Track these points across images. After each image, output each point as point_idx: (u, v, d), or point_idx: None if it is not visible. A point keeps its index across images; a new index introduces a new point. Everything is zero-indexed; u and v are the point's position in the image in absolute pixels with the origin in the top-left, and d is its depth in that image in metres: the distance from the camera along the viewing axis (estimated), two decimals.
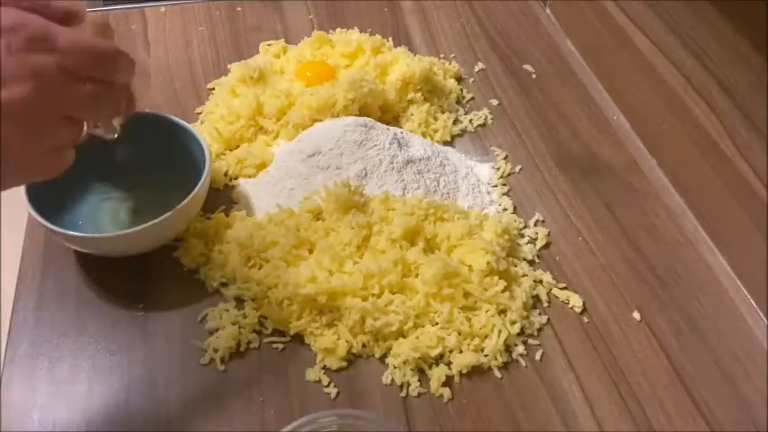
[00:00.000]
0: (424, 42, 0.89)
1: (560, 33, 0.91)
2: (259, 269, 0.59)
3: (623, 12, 0.76)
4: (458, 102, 0.80)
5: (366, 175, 0.65)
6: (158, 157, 0.64)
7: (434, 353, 0.55)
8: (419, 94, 0.76)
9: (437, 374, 0.54)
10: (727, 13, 0.59)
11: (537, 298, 0.60)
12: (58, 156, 0.40)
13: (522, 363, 0.56)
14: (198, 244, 0.61)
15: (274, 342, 0.56)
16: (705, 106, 0.64)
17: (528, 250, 0.64)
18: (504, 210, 0.68)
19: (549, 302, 0.60)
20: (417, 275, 0.58)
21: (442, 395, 0.54)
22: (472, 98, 0.81)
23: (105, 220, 0.62)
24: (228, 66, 0.81)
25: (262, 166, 0.69)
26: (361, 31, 0.86)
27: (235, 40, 0.87)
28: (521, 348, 0.57)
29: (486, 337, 0.56)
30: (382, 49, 0.82)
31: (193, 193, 0.57)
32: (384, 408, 0.53)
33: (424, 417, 0.52)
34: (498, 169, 0.72)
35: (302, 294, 0.56)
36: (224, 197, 0.67)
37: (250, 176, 0.69)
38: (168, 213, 0.56)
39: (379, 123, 0.68)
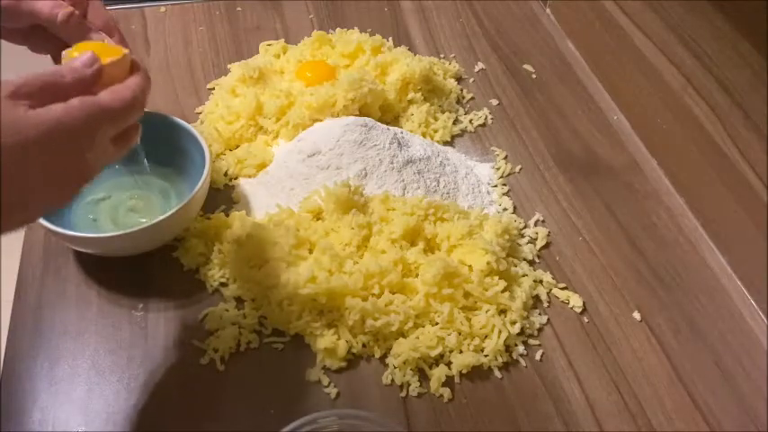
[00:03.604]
0: (424, 42, 0.89)
1: (560, 33, 0.91)
2: (259, 269, 0.59)
3: (623, 12, 0.76)
4: (458, 102, 0.80)
5: (366, 175, 0.65)
6: (158, 157, 0.64)
7: (434, 353, 0.55)
8: (419, 94, 0.76)
9: (437, 374, 0.54)
10: (727, 13, 0.59)
11: (537, 298, 0.60)
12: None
13: (522, 363, 0.56)
14: (198, 244, 0.61)
15: (274, 342, 0.56)
16: (705, 106, 0.64)
17: (528, 250, 0.64)
18: (504, 210, 0.68)
19: (549, 302, 0.60)
20: (417, 275, 0.58)
21: (442, 395, 0.54)
22: (472, 98, 0.81)
23: (105, 220, 0.62)
24: (228, 66, 0.81)
25: (262, 166, 0.69)
26: (361, 31, 0.86)
27: (235, 40, 0.87)
28: (521, 348, 0.57)
29: (486, 337, 0.56)
30: (382, 49, 0.82)
31: (193, 193, 0.57)
32: (384, 408, 0.53)
33: (424, 417, 0.52)
34: (498, 169, 0.72)
35: (302, 294, 0.56)
36: (224, 197, 0.67)
37: (250, 176, 0.69)
38: (168, 213, 0.56)
39: (379, 123, 0.68)
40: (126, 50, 0.48)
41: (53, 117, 0.39)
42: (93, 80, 0.43)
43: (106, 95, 0.42)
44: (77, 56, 0.44)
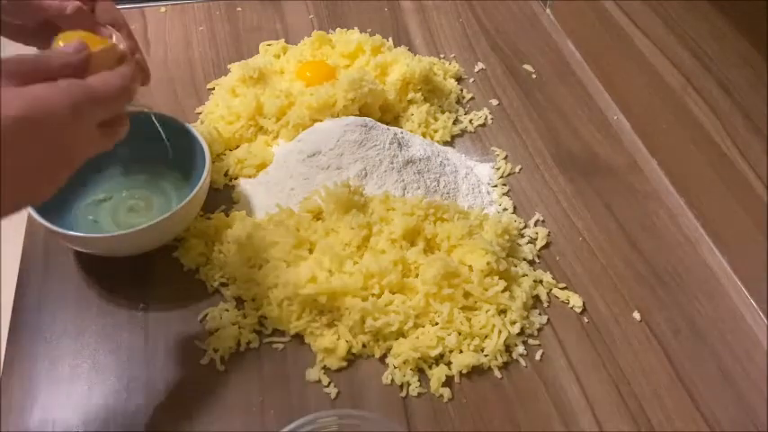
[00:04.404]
0: (424, 42, 0.89)
1: (560, 33, 0.91)
2: (259, 269, 0.59)
3: (623, 12, 0.76)
4: (458, 102, 0.80)
5: (366, 175, 0.65)
6: (158, 158, 0.64)
7: (434, 353, 0.55)
8: (419, 94, 0.76)
9: (437, 374, 0.54)
10: (727, 13, 0.59)
11: (537, 298, 0.60)
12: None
13: (522, 363, 0.56)
14: (198, 244, 0.61)
15: (274, 342, 0.56)
16: (705, 106, 0.64)
17: (528, 250, 0.64)
18: (504, 210, 0.68)
19: (549, 302, 0.60)
20: (417, 275, 0.58)
21: (441, 395, 0.54)
22: (472, 98, 0.81)
23: (105, 220, 0.62)
24: (228, 66, 0.81)
25: (262, 166, 0.69)
26: (361, 31, 0.86)
27: (235, 40, 0.87)
28: (521, 348, 0.57)
29: (486, 337, 0.56)
30: (382, 49, 0.82)
31: (193, 193, 0.57)
32: (384, 408, 0.53)
33: (424, 417, 0.52)
34: (498, 169, 0.72)
35: (302, 294, 0.56)
36: (224, 197, 0.67)
37: (250, 176, 0.69)
38: (168, 213, 0.56)
39: (379, 123, 0.68)
40: (114, 41, 0.48)
41: (35, 94, 0.37)
42: (81, 66, 0.42)
43: (94, 79, 0.42)
44: (66, 44, 0.43)
